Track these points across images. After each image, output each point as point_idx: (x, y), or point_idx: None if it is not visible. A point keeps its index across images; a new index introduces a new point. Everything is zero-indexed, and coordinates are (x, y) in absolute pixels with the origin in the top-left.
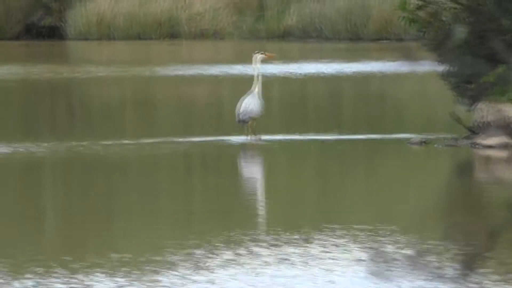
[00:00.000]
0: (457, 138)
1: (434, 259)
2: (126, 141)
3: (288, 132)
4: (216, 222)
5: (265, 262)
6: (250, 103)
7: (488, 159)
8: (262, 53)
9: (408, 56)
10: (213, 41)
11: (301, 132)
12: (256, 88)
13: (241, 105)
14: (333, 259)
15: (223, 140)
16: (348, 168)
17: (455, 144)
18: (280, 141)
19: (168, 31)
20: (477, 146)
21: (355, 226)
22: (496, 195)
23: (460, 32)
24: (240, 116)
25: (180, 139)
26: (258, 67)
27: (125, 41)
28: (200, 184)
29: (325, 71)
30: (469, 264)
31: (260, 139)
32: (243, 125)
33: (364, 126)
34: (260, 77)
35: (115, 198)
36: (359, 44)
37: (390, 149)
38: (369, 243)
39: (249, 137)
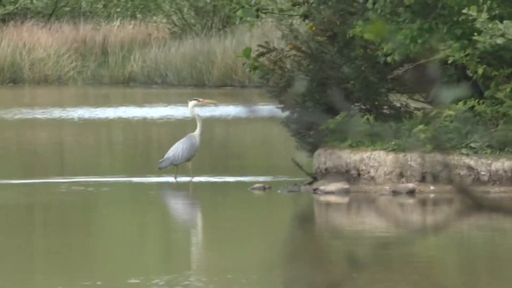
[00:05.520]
0: (299, 184)
1: None
2: None
3: (124, 174)
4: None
5: None
6: (177, 149)
7: (328, 206)
8: (196, 100)
9: (248, 103)
10: (56, 86)
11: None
12: (198, 131)
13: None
14: None
15: (64, 182)
16: (192, 212)
17: (297, 190)
18: (109, 183)
19: (11, 76)
20: (318, 192)
21: (195, 277)
22: (335, 243)
23: (301, 84)
24: (160, 163)
25: (18, 181)
26: (194, 112)
27: None
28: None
29: (171, 115)
30: None
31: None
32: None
33: (207, 169)
34: (200, 121)
35: None
36: (203, 90)
37: (233, 194)
38: None
39: (190, 178)
